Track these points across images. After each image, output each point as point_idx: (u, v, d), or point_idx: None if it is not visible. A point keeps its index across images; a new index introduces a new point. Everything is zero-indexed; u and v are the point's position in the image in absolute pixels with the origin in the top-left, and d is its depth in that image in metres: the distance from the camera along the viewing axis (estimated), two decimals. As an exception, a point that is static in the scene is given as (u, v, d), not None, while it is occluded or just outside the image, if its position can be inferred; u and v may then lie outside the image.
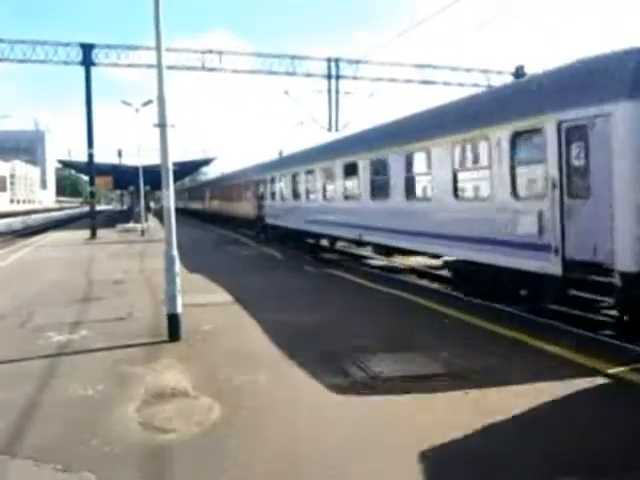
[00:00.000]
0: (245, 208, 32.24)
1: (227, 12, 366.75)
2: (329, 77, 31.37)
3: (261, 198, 27.56)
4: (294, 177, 21.89)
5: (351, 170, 16.11)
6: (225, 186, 41.23)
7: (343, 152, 17.14)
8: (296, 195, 21.70)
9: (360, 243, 17.06)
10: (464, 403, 5.33)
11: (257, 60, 30.96)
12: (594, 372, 5.98)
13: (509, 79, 30.96)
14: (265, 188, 26.84)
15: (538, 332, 7.66)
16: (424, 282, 15.13)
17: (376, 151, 14.63)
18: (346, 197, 16.87)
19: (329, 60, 31.34)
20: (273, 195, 25.44)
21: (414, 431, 4.76)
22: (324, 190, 18.69)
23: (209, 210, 49.92)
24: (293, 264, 16.82)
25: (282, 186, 23.85)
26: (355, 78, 31.81)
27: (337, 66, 31.39)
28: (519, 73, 31.25)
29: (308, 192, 20.36)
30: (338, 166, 17.08)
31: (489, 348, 7.07)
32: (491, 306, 9.70)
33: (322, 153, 19.64)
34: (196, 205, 61.40)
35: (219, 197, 44.49)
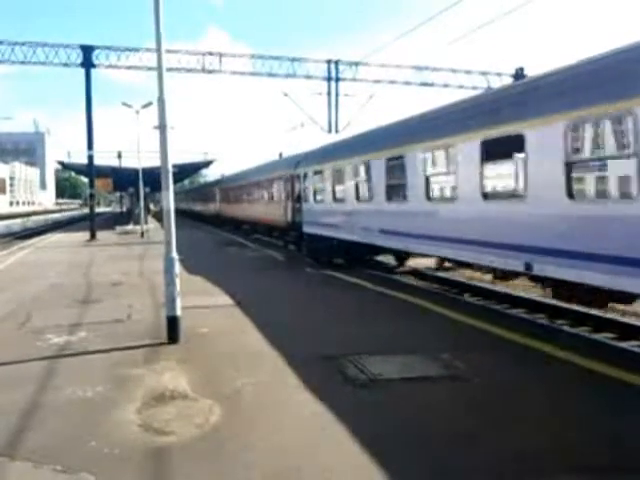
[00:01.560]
0: (272, 212, 25.53)
1: (222, 14, 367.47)
2: (329, 79, 31.41)
3: (297, 199, 21.24)
4: (359, 168, 14.90)
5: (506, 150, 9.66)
6: (242, 185, 34.41)
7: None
8: (365, 194, 14.60)
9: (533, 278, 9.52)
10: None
11: (257, 62, 31.05)
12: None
13: (508, 80, 30.99)
14: (304, 186, 20.10)
15: None
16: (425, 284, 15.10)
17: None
18: (496, 196, 10.35)
19: (329, 62, 31.38)
20: (318, 195, 18.43)
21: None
22: (428, 186, 11.47)
23: (222, 214, 42.52)
24: (294, 266, 16.81)
25: (334, 182, 16.75)
26: (355, 80, 31.86)
27: (337, 68, 31.43)
28: (519, 75, 31.32)
29: (392, 190, 13.10)
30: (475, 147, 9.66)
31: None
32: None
33: (429, 128, 11.91)
34: (202, 207, 55.43)
35: (234, 198, 37.42)
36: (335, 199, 16.75)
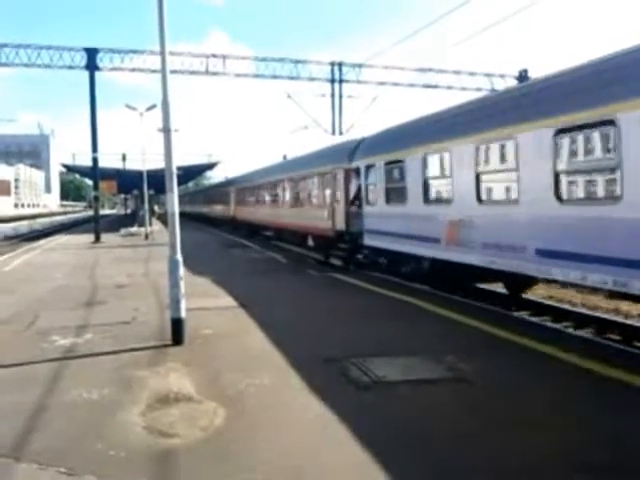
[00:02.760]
0: (310, 217, 20.87)
1: (223, 16, 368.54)
2: (332, 81, 31.45)
3: (351, 201, 17.05)
4: (489, 151, 10.34)
5: None
6: (266, 184, 29.14)
7: None
8: (501, 192, 10.39)
9: None
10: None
11: (260, 64, 31.10)
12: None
13: (512, 82, 30.97)
14: (367, 183, 15.26)
15: None
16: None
17: None
18: None
19: (332, 64, 31.43)
20: (394, 194, 13.82)
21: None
22: None
23: (239, 218, 37.12)
24: (297, 268, 16.82)
25: (427, 176, 12.25)
26: (358, 82, 31.90)
27: (340, 70, 31.48)
28: (522, 77, 31.30)
29: (571, 182, 8.69)
30: None
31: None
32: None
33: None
34: (212, 210, 50.59)
35: (255, 200, 32.06)
36: (429, 200, 12.15)
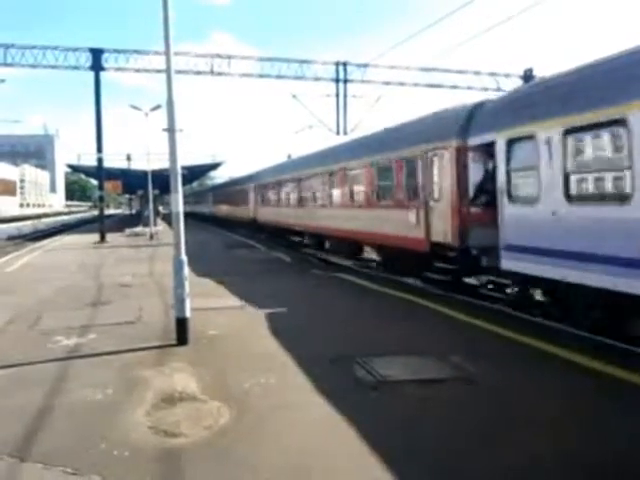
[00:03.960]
0: (386, 222, 14.53)
1: (226, 16, 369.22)
2: (337, 81, 31.44)
3: (472, 200, 11.25)
4: None
5: None
6: (304, 177, 22.72)
7: None
8: None
9: None
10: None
11: (265, 64, 31.10)
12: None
13: (517, 82, 30.88)
14: (508, 167, 9.62)
15: None
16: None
17: None
18: None
19: (337, 64, 31.41)
20: (583, 186, 8.13)
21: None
22: None
23: (263, 219, 31.18)
24: (301, 267, 16.82)
25: None
26: (363, 82, 31.88)
27: (345, 70, 31.45)
28: (527, 76, 31.20)
29: None
30: None
31: None
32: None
33: None
34: (225, 211, 45.42)
35: (286, 198, 25.74)
36: None
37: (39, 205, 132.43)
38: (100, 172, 30.50)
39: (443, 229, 11.70)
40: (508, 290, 10.71)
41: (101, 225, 30.34)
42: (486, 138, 10.37)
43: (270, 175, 30.03)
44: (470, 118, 11.29)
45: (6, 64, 27.56)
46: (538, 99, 9.30)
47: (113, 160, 43.43)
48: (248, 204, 34.80)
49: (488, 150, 10.41)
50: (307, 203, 22.31)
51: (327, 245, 21.85)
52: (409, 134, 14.20)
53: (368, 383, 6.01)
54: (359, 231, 16.63)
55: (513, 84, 30.53)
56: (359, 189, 16.90)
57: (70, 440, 4.79)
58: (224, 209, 46.43)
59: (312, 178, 21.70)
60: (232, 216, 41.80)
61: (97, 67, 28.32)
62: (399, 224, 13.54)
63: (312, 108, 32.06)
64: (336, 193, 18.97)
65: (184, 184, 38.71)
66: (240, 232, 35.28)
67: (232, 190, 42.25)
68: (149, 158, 34.30)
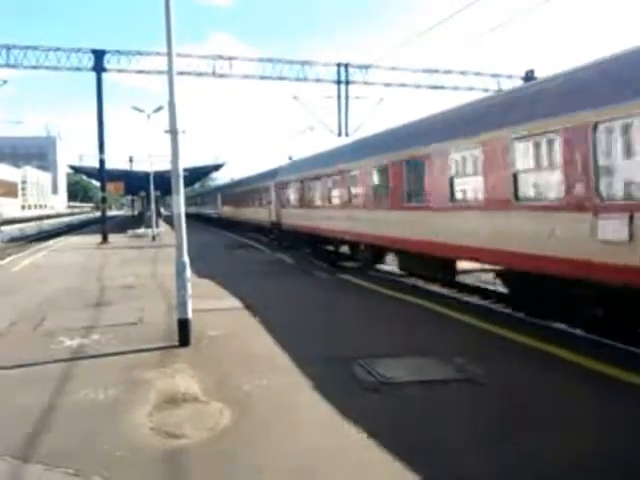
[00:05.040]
0: (517, 234, 8.87)
1: (226, 17, 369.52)
2: (339, 82, 31.46)
3: None
4: None
5: None
6: (348, 175, 16.96)
7: None
8: None
9: None
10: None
11: (267, 66, 31.12)
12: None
13: (519, 83, 30.87)
14: None
15: None
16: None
17: None
18: None
19: (339, 65, 31.44)
20: None
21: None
22: None
23: (289, 223, 24.61)
24: (304, 268, 16.81)
25: None
26: (365, 83, 31.90)
27: (347, 71, 31.49)
28: (529, 77, 31.19)
29: None
30: None
31: None
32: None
33: None
34: (238, 212, 39.60)
35: (328, 197, 19.11)
36: None
37: (41, 206, 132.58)
38: (102, 173, 30.54)
39: None
40: None
41: (103, 226, 30.39)
42: None
43: (298, 171, 23.47)
44: None
45: (8, 65, 27.67)
46: None
47: (115, 162, 43.67)
48: (269, 205, 28.61)
49: None
50: (354, 205, 16.45)
51: (389, 260, 16.65)
52: (559, 95, 8.28)
53: (371, 384, 6.00)
54: (445, 244, 10.99)
55: (514, 85, 30.51)
56: (446, 185, 11.07)
57: (72, 441, 4.79)
58: (236, 211, 40.86)
59: (364, 172, 15.65)
60: (247, 219, 36.16)
61: (99, 68, 28.41)
62: (542, 238, 8.29)
63: (313, 110, 32.10)
64: (400, 193, 13.25)
65: (186, 186, 38.78)
66: (259, 239, 30.78)
67: (247, 190, 36.17)
68: (151, 160, 34.35)
